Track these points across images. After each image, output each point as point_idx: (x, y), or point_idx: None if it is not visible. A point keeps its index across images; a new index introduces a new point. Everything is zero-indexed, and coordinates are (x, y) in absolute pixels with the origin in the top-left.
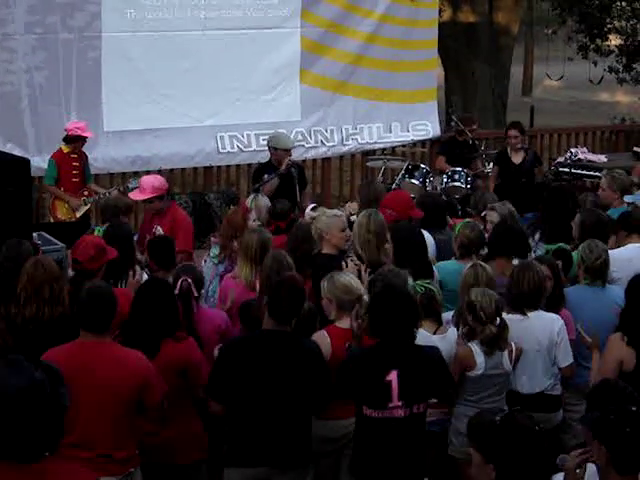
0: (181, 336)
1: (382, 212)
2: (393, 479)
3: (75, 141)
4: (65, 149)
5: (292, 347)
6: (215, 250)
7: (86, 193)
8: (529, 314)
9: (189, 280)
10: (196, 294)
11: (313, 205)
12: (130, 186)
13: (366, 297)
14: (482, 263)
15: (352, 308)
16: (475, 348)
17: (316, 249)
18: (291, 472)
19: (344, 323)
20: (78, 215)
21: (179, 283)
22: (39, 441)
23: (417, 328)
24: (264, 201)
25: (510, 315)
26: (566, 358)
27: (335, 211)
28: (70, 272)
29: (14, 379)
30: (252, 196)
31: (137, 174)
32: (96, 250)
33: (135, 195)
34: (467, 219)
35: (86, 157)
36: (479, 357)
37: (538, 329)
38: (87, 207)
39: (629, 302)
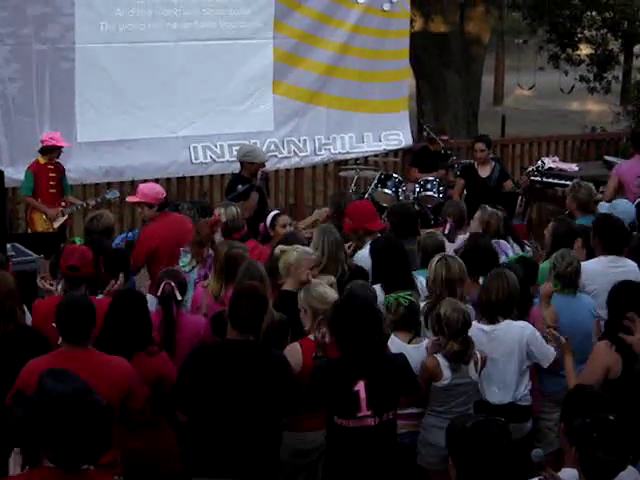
0: (153, 350)
1: (344, 221)
2: None
3: (51, 151)
4: (41, 160)
5: (256, 356)
6: (185, 258)
7: (63, 204)
8: (499, 324)
9: (172, 284)
10: (179, 298)
11: (275, 212)
12: (107, 197)
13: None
14: (451, 255)
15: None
16: (441, 360)
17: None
18: None
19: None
20: (56, 226)
21: (162, 286)
22: (84, 446)
23: (383, 337)
24: (235, 211)
25: (480, 324)
26: (547, 357)
27: (307, 248)
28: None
29: (58, 387)
30: (223, 208)
31: (111, 185)
32: (90, 256)
33: (129, 197)
34: (430, 230)
35: (63, 169)
36: (445, 368)
37: (508, 339)
38: (64, 218)
39: (613, 309)
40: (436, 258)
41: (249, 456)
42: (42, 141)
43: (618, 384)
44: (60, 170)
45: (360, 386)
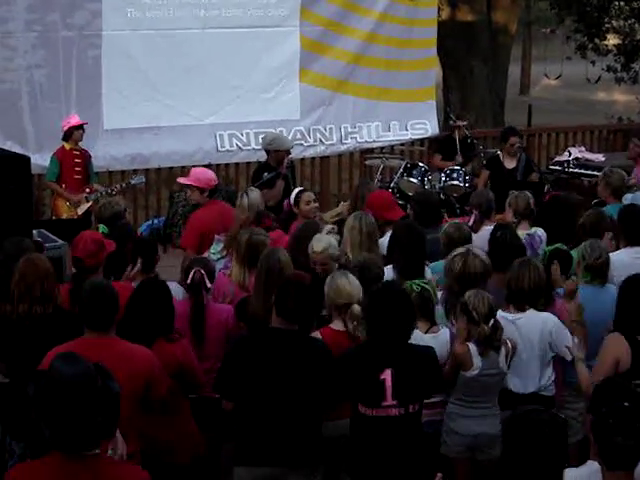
0: (174, 337)
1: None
2: (391, 478)
3: (71, 135)
4: (67, 146)
5: (300, 346)
6: (217, 246)
7: (88, 190)
8: (524, 313)
9: (202, 271)
10: (209, 285)
11: (299, 189)
12: (132, 182)
13: (357, 306)
14: (474, 251)
15: (343, 310)
16: (473, 348)
17: None
18: (300, 471)
19: (337, 325)
20: (80, 212)
21: (192, 273)
22: (94, 427)
23: (413, 328)
24: (256, 196)
25: (504, 313)
26: (569, 350)
27: (332, 240)
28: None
29: (68, 369)
30: (242, 193)
31: (137, 172)
32: (96, 245)
33: (181, 178)
34: (456, 221)
35: (89, 155)
36: (476, 357)
37: (531, 328)
38: (89, 204)
39: (623, 301)
40: (456, 252)
41: (294, 443)
42: (62, 127)
43: (627, 376)
44: (86, 156)
45: (387, 375)
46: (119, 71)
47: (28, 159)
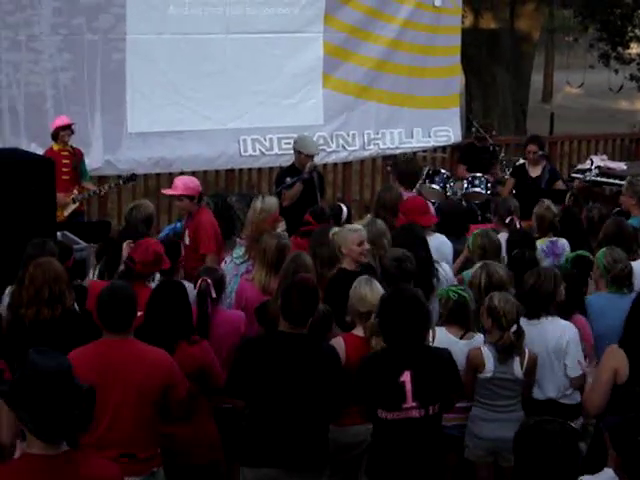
0: (195, 339)
1: (398, 217)
2: None
3: (56, 135)
4: (55, 147)
5: (308, 349)
6: (239, 250)
7: (76, 191)
8: (542, 319)
9: (208, 281)
10: (214, 295)
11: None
12: (122, 182)
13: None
14: (493, 263)
15: (365, 318)
16: (485, 351)
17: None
18: (305, 474)
19: (359, 331)
20: (66, 214)
21: (198, 283)
22: (71, 420)
23: (427, 330)
24: (272, 202)
25: (524, 319)
26: (575, 369)
27: (355, 225)
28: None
29: (44, 362)
30: (258, 196)
31: (159, 176)
32: (154, 257)
33: (166, 190)
34: (484, 228)
35: (81, 154)
36: (488, 360)
37: (549, 335)
38: (75, 205)
39: (631, 315)
40: (480, 264)
41: (299, 446)
42: (50, 128)
43: (624, 388)
44: (77, 156)
45: (406, 377)
46: (143, 75)
47: (53, 161)
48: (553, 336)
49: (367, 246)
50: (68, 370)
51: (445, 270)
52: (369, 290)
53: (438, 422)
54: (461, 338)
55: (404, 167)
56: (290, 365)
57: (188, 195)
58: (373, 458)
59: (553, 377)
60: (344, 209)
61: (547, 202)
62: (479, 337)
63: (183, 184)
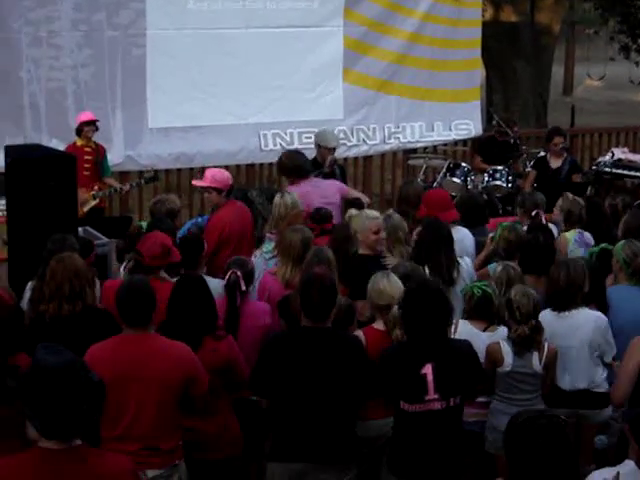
0: (221, 334)
1: (421, 210)
2: (432, 473)
3: (81, 131)
4: (78, 142)
5: (333, 342)
6: (269, 245)
7: (96, 187)
8: (572, 311)
9: (238, 273)
10: (243, 288)
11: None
12: (143, 182)
13: (395, 308)
14: (512, 264)
15: (385, 311)
16: (504, 345)
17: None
18: (333, 468)
19: (379, 324)
20: (85, 209)
21: (228, 275)
22: (80, 415)
23: (450, 324)
24: (291, 198)
25: (553, 313)
26: (610, 352)
27: (373, 212)
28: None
29: (51, 358)
30: (280, 194)
31: (180, 171)
32: (161, 250)
33: (196, 181)
34: (506, 222)
35: (103, 150)
36: (507, 354)
37: (582, 326)
38: (95, 202)
39: None
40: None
41: (326, 440)
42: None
43: None
44: (99, 152)
45: (427, 369)
46: (163, 70)
47: (74, 157)
48: (587, 327)
49: (383, 234)
50: (73, 365)
51: (467, 264)
52: (387, 283)
53: (459, 414)
54: (484, 331)
55: (285, 161)
56: (316, 359)
57: (215, 187)
58: (394, 450)
59: (587, 368)
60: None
61: (571, 195)
62: (502, 330)
63: (211, 176)
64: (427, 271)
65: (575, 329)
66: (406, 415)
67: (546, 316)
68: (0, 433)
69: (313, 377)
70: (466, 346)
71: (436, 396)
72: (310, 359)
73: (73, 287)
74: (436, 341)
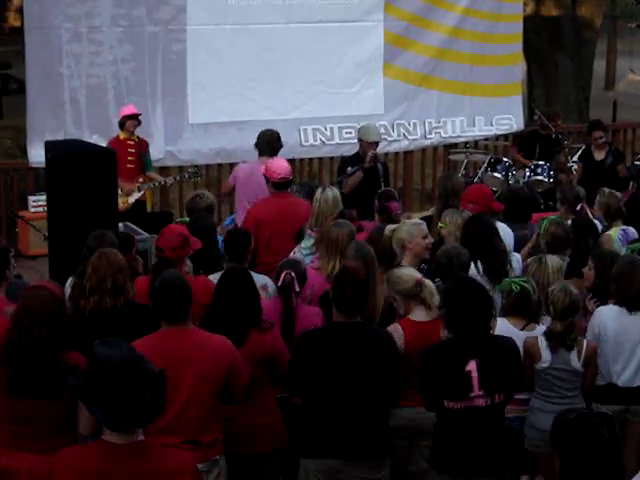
0: (266, 327)
1: (464, 206)
2: (475, 470)
3: (124, 124)
4: (121, 135)
5: (363, 337)
6: (308, 242)
7: (141, 180)
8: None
9: (292, 274)
10: (297, 289)
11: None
12: (186, 176)
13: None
14: (546, 256)
15: (415, 294)
16: (542, 340)
17: (397, 261)
18: (366, 464)
19: (417, 315)
20: (131, 201)
21: (282, 276)
22: (144, 406)
23: (492, 320)
24: (333, 194)
25: (615, 306)
26: None
27: (415, 220)
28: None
29: (114, 352)
30: (322, 188)
31: (221, 166)
32: (180, 240)
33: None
34: (553, 216)
35: (146, 145)
36: (544, 350)
37: None
38: (141, 193)
39: None
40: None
41: (359, 437)
42: (117, 117)
43: None
44: (142, 146)
45: (472, 366)
46: (203, 66)
47: (114, 153)
48: None
49: (431, 239)
50: (134, 357)
51: (518, 259)
52: (401, 271)
53: (502, 411)
54: (522, 329)
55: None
56: (347, 355)
57: (265, 175)
58: (437, 447)
59: None
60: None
61: (608, 190)
62: (540, 328)
63: (267, 165)
64: (480, 266)
65: (635, 326)
66: (450, 413)
67: (612, 311)
68: (51, 428)
69: (345, 373)
70: (509, 343)
71: (481, 392)
72: (342, 355)
73: (116, 282)
74: (479, 338)
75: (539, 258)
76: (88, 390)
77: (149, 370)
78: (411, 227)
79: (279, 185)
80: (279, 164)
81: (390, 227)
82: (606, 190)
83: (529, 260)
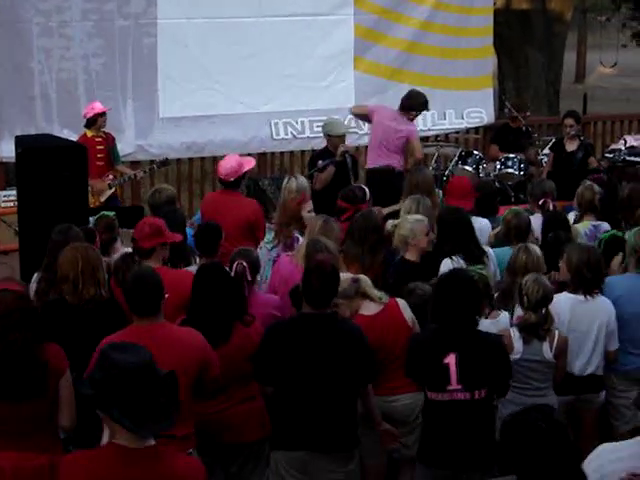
0: (249, 320)
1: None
2: (460, 464)
3: (95, 122)
4: (89, 133)
5: (331, 329)
6: (269, 236)
7: (111, 177)
8: (594, 297)
9: (244, 264)
10: (249, 278)
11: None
12: (156, 167)
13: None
14: (530, 245)
15: (356, 291)
16: (514, 332)
17: (398, 256)
18: (334, 456)
19: (367, 309)
20: (102, 199)
21: (234, 266)
22: (159, 408)
23: (479, 314)
24: (297, 183)
25: (572, 295)
26: (614, 342)
27: (417, 216)
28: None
29: (129, 357)
30: (287, 178)
31: (192, 160)
32: (151, 229)
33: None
34: (516, 207)
35: (113, 139)
36: (517, 341)
37: (599, 312)
38: (112, 191)
39: None
40: (519, 246)
41: (327, 428)
42: (84, 115)
43: None
44: (109, 140)
45: (451, 359)
46: (174, 59)
47: (85, 148)
48: (604, 313)
49: (433, 235)
50: (150, 361)
51: (492, 254)
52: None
53: (487, 407)
54: (486, 317)
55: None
56: (314, 346)
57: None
58: (424, 441)
59: (596, 353)
60: (367, 191)
61: (590, 182)
62: (504, 316)
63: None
64: (456, 259)
65: (592, 314)
66: (432, 404)
67: (568, 300)
68: (34, 426)
69: (313, 364)
70: (495, 339)
71: (459, 387)
72: (310, 346)
73: (87, 277)
74: (463, 331)
75: (525, 247)
76: (107, 398)
77: (160, 372)
78: (414, 224)
79: (224, 183)
80: (227, 163)
81: (392, 222)
82: (587, 182)
83: (515, 249)
